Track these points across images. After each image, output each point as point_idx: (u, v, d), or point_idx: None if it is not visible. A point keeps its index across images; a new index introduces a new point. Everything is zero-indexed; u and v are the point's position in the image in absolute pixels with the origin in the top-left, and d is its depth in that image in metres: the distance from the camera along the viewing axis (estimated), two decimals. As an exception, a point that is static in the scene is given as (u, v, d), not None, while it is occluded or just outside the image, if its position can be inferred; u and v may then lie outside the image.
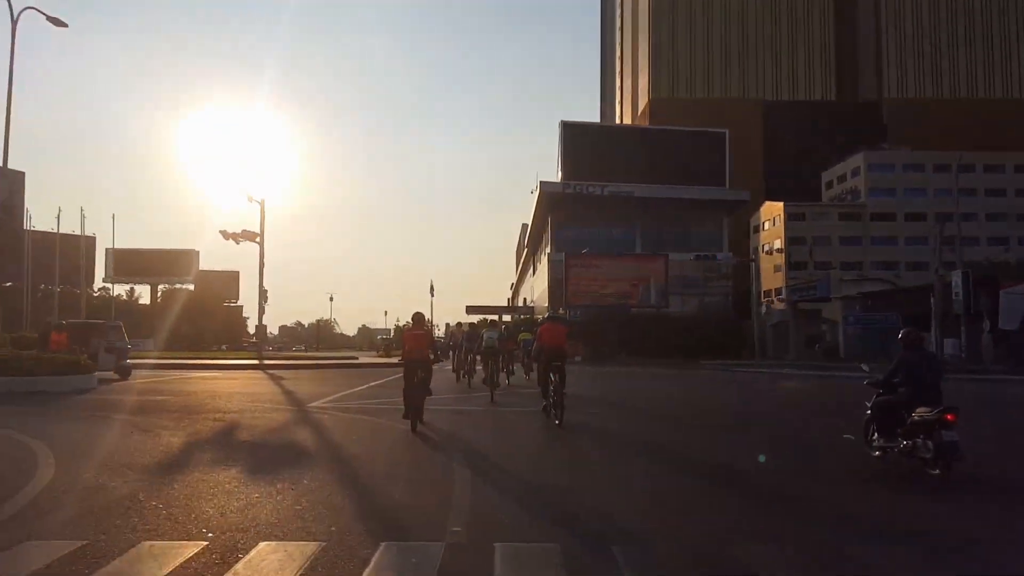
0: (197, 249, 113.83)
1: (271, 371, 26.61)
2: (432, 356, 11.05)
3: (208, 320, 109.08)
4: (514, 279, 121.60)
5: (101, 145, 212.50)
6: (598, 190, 53.45)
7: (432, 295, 76.17)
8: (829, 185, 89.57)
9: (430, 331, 12.54)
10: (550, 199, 54.46)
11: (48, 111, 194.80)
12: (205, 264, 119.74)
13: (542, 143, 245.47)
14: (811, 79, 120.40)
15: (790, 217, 78.23)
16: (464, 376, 19.82)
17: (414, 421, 9.97)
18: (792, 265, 78.73)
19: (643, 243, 56.39)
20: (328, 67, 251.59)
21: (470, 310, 77.40)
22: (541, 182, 53.93)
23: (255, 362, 30.29)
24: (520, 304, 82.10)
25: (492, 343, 16.82)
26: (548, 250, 57.41)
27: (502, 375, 18.20)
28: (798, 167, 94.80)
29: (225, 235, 26.48)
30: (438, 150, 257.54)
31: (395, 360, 18.49)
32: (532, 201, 61.38)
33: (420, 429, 10.00)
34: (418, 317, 11.32)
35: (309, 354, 55.34)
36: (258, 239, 28.07)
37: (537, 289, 67.94)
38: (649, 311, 49.47)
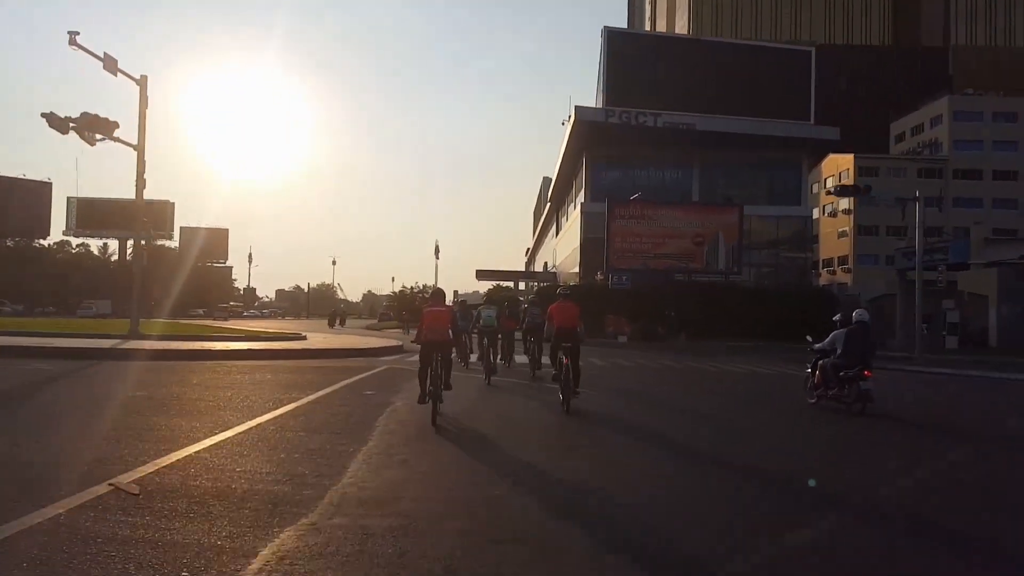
0: (172, 200, 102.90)
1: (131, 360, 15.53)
2: (454, 338, 9.35)
3: (190, 281, 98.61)
4: (531, 243, 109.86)
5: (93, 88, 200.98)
6: (650, 120, 41.29)
7: (437, 258, 65.46)
8: (900, 137, 76.69)
9: (452, 309, 10.66)
10: (587, 131, 42.40)
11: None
12: (188, 219, 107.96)
13: (557, 105, 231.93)
14: (867, 23, 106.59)
15: (860, 172, 65.72)
16: (460, 360, 16.53)
17: (434, 414, 8.48)
18: (861, 230, 66.71)
19: (701, 192, 44.41)
20: (337, 27, 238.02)
21: (481, 275, 66.01)
22: (577, 107, 41.77)
23: (130, 344, 18.88)
24: (539, 270, 70.36)
25: (491, 322, 15.52)
26: (581, 199, 45.52)
27: (499, 361, 15.79)
28: (852, 117, 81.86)
29: (54, 122, 14.78)
30: (450, 112, 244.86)
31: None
32: (557, 148, 49.37)
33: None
34: (438, 293, 10.14)
35: (232, 327, 43.66)
36: (125, 137, 16.34)
37: (563, 251, 56.16)
38: (716, 279, 37.76)
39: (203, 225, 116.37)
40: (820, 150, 48.90)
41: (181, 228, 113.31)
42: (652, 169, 44.82)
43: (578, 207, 45.62)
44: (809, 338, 11.45)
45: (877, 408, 10.02)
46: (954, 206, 67.59)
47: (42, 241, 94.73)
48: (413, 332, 10.85)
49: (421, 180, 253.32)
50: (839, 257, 69.51)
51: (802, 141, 44.24)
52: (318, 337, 27.37)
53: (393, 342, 24.34)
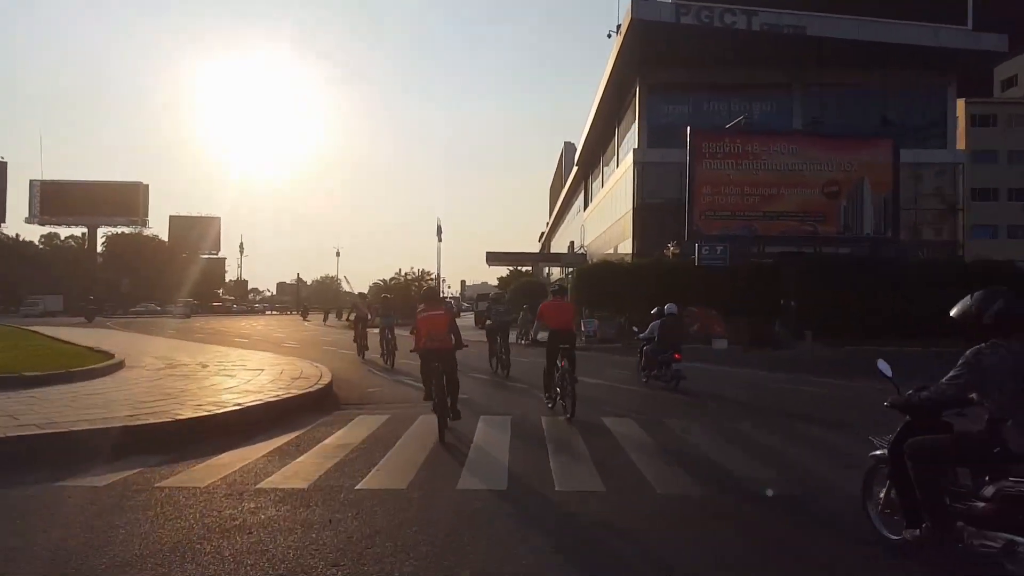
0: (146, 182, 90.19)
1: None
2: (456, 342, 8.00)
3: (176, 272, 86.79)
4: (544, 228, 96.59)
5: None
6: (741, 20, 27.88)
7: (439, 240, 52.84)
8: (1009, 82, 62.73)
9: (451, 310, 9.22)
10: (646, 40, 29.01)
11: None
12: (172, 207, 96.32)
13: (570, 96, 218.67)
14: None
15: (973, 122, 52.00)
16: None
17: (441, 429, 7.44)
18: (974, 194, 52.97)
19: (807, 127, 30.95)
20: (345, 15, 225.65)
21: (492, 259, 52.95)
22: (635, 2, 28.22)
23: None
24: (564, 252, 57.07)
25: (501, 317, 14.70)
26: (633, 145, 32.22)
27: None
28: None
29: None
30: (459, 99, 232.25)
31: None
32: (600, 71, 36.00)
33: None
34: (432, 293, 9.86)
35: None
36: None
37: (597, 225, 42.83)
38: (855, 249, 24.51)
39: (193, 213, 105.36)
40: (978, 67, 35.08)
41: (170, 217, 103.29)
42: (736, 99, 31.33)
43: (628, 158, 32.36)
44: (635, 328, 14.45)
45: (688, 385, 11.62)
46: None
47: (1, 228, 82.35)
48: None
49: (427, 169, 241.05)
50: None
51: (952, 55, 30.61)
52: (182, 356, 14.68)
53: (315, 382, 11.26)
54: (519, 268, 51.64)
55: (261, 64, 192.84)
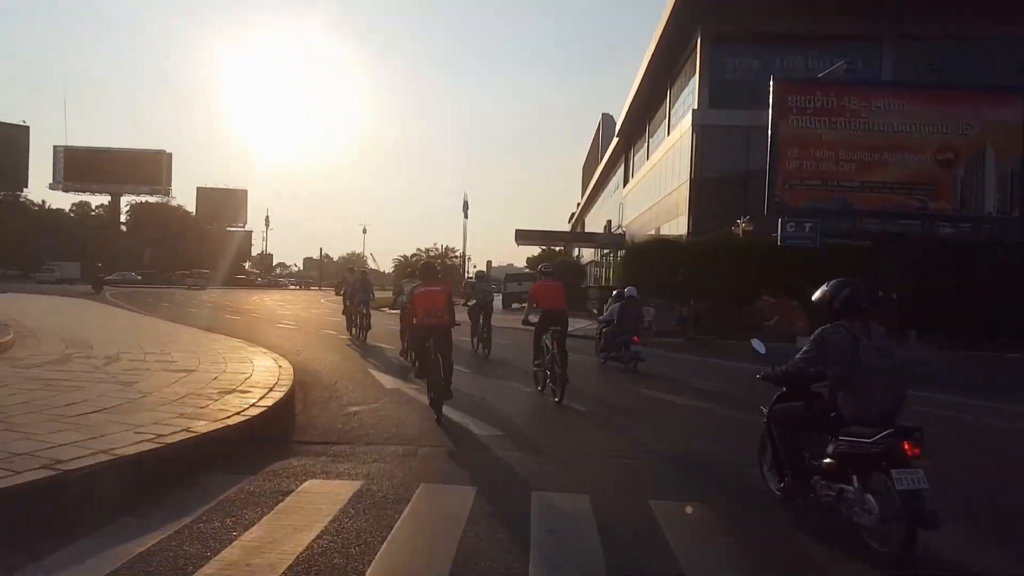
0: (169, 151, 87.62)
1: None
2: (453, 321, 7.76)
3: (199, 244, 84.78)
4: (576, 207, 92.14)
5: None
6: (830, -47, 23.29)
7: (465, 216, 49.23)
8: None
9: (449, 286, 8.54)
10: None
11: None
12: (198, 179, 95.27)
13: (611, 64, 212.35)
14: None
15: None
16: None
17: (438, 408, 7.23)
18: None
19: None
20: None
21: (522, 238, 48.99)
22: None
23: None
24: (599, 231, 52.77)
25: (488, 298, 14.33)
26: (692, 106, 27.83)
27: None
28: None
29: None
30: (486, 75, 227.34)
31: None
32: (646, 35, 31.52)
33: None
34: (428, 267, 8.55)
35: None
36: None
37: (640, 201, 38.44)
38: (976, 232, 20.02)
39: (220, 185, 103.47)
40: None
41: (198, 188, 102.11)
42: (813, 53, 26.73)
43: (684, 121, 28.01)
44: (595, 311, 15.42)
45: (645, 367, 11.99)
46: None
47: (26, 193, 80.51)
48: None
49: (456, 149, 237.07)
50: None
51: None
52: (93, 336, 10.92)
53: (258, 398, 7.44)
54: (552, 248, 47.68)
55: (293, 42, 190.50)
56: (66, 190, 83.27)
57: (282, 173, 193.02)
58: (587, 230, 74.81)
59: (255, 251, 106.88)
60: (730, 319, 18.78)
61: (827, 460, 4.06)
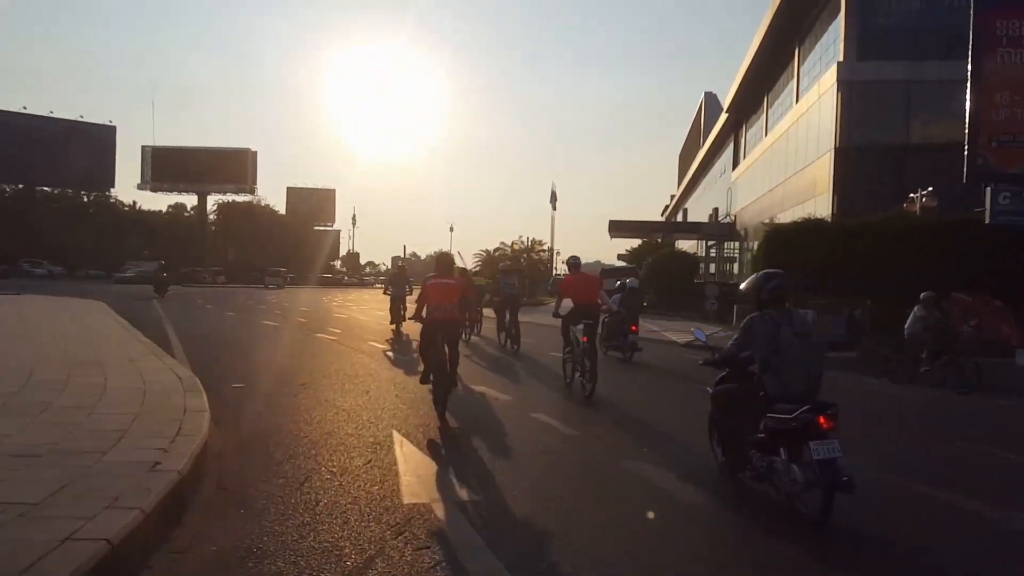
0: (254, 149, 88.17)
1: None
2: (467, 317, 8.34)
3: (290, 243, 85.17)
4: (669, 199, 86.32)
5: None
6: None
7: (554, 208, 45.75)
8: None
9: (467, 281, 9.37)
10: None
11: None
12: (288, 179, 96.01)
13: (706, 57, 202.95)
14: None
15: None
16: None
17: (442, 403, 6.80)
18: None
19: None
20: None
21: (616, 229, 44.57)
22: None
23: None
24: (703, 221, 47.42)
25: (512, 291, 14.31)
26: (837, 56, 22.57)
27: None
28: None
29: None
30: (574, 73, 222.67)
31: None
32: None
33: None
34: (446, 260, 7.98)
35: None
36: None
37: (756, 183, 33.06)
38: None
39: (309, 185, 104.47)
40: None
41: (287, 188, 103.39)
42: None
43: (826, 78, 22.79)
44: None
45: (641, 356, 12.04)
46: None
47: (114, 193, 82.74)
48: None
49: (543, 147, 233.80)
50: None
51: None
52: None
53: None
54: (654, 240, 42.98)
55: (381, 46, 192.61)
56: (154, 190, 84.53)
57: (373, 174, 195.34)
58: (680, 215, 69.20)
59: (343, 250, 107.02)
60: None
61: (760, 435, 4.34)
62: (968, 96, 14.40)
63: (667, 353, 14.33)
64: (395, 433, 6.05)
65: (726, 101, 40.85)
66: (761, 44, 29.94)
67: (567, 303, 9.06)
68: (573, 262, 9.69)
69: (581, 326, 8.59)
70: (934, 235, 15.05)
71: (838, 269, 15.22)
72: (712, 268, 43.19)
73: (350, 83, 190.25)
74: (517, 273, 17.33)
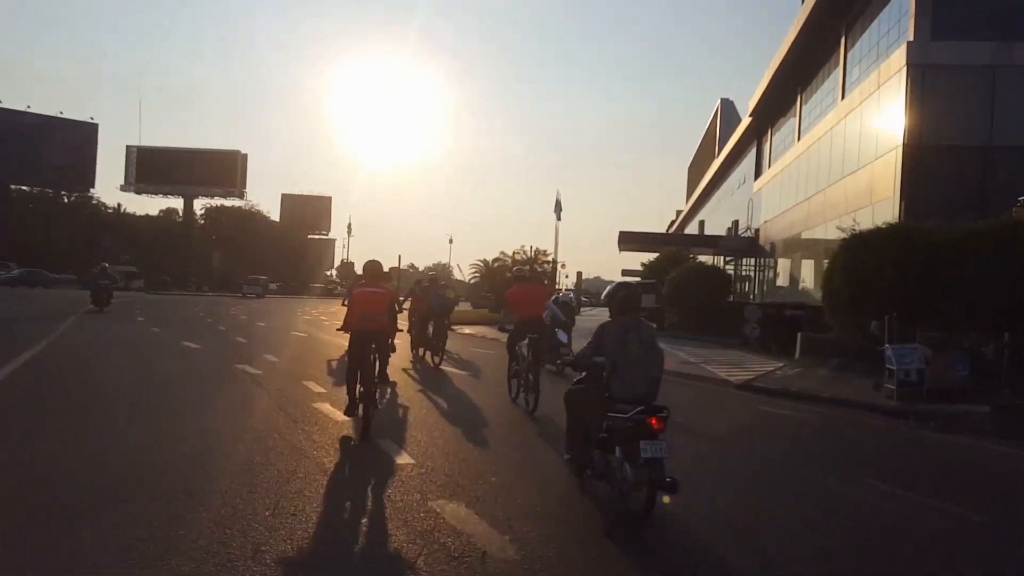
0: (244, 151, 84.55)
1: None
2: (395, 326, 7.46)
3: (282, 251, 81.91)
4: (675, 215, 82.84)
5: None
6: None
7: (558, 217, 42.50)
8: None
9: (393, 290, 8.27)
10: None
11: None
12: (289, 188, 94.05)
13: (721, 65, 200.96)
14: None
15: None
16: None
17: (365, 426, 6.56)
18: None
19: None
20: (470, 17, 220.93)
21: (625, 241, 40.98)
22: None
23: None
24: (720, 234, 43.71)
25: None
26: (906, 35, 18.91)
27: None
28: None
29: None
30: (577, 86, 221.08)
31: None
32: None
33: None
34: (373, 267, 7.45)
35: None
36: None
37: (787, 192, 29.27)
38: None
39: (304, 191, 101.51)
40: None
41: (282, 195, 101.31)
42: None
43: (895, 58, 19.05)
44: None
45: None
46: None
47: (93, 193, 79.08)
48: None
49: (546, 161, 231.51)
50: None
51: None
52: None
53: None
54: (670, 253, 39.32)
55: (384, 57, 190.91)
56: (138, 192, 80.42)
57: (373, 184, 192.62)
58: (691, 226, 65.46)
59: (338, 259, 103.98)
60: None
61: (602, 434, 4.55)
62: None
63: (721, 397, 11.20)
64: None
65: (749, 105, 37.27)
66: (797, 36, 26.39)
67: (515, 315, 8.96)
68: (520, 274, 10.01)
69: (526, 341, 8.56)
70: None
71: (943, 289, 11.43)
72: (746, 287, 39.57)
73: (353, 93, 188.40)
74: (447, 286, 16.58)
